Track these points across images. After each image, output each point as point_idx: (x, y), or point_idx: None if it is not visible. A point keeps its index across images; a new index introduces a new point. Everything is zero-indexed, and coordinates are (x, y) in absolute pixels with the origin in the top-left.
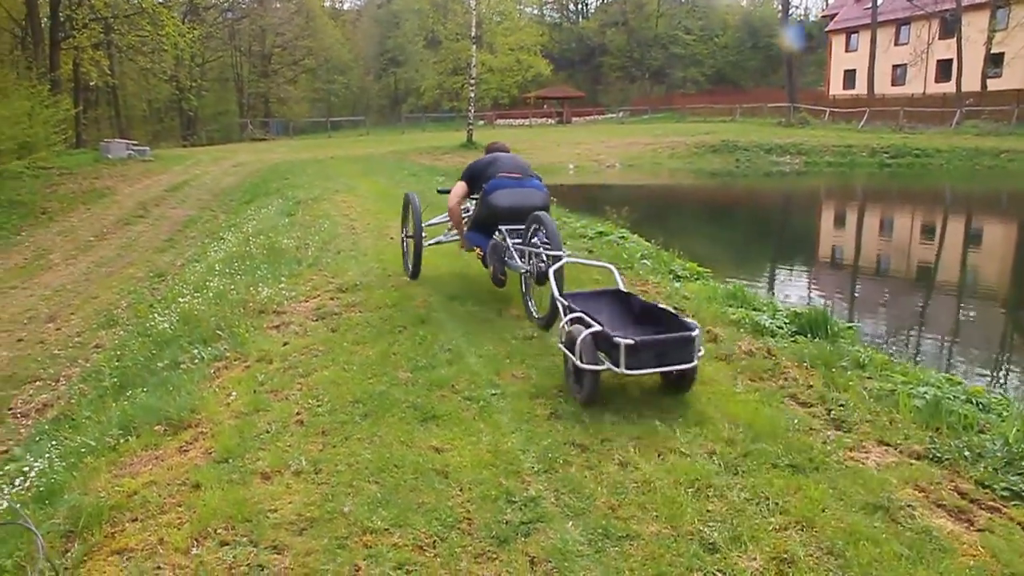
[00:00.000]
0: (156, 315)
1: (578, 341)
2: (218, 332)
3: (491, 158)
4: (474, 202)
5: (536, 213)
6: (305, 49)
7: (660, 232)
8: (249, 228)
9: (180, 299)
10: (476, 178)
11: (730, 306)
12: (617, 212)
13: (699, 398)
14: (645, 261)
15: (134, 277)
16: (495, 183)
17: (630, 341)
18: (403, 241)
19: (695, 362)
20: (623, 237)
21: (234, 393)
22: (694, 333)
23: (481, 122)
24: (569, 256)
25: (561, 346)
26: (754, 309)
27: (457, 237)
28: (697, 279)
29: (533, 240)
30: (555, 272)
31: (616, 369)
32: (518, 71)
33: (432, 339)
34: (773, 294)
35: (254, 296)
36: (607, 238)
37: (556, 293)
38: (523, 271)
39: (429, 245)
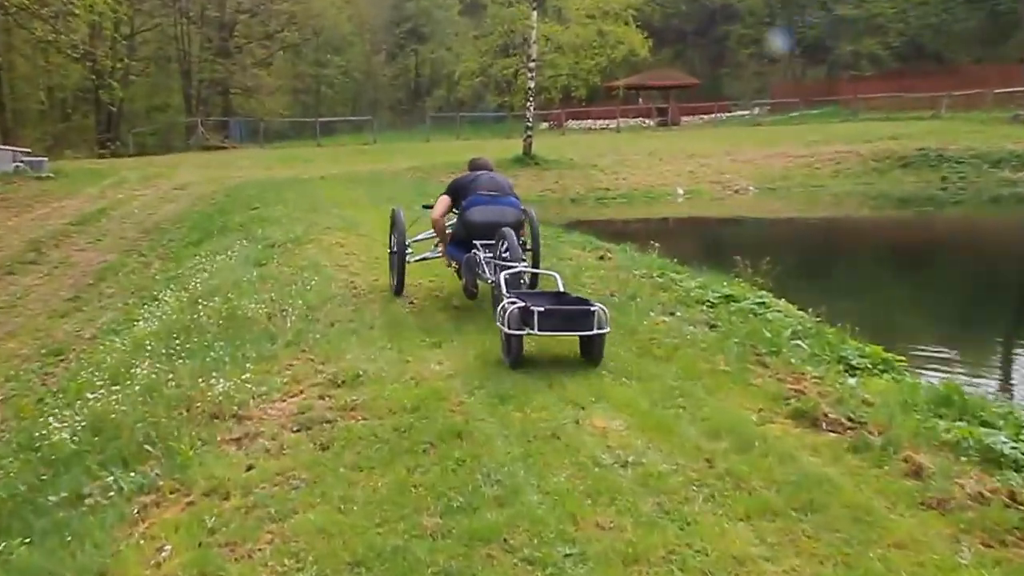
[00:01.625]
0: (50, 418)
1: (507, 313)
2: (147, 448)
3: (474, 175)
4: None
5: (502, 229)
6: (284, 17)
7: (820, 294)
8: (198, 284)
9: (88, 394)
10: (459, 194)
11: (940, 417)
12: (752, 264)
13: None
14: (799, 343)
15: (16, 355)
16: (473, 199)
17: (541, 308)
18: (391, 256)
19: (593, 331)
20: (763, 304)
21: (168, 547)
22: (593, 308)
23: (545, 125)
24: (523, 267)
25: (498, 323)
26: (983, 424)
27: (441, 254)
28: (883, 371)
29: (504, 255)
30: (507, 276)
31: (533, 332)
32: (600, 49)
33: (472, 463)
34: (1012, 398)
35: (204, 392)
36: (737, 305)
37: (504, 289)
38: (490, 281)
39: (416, 261)
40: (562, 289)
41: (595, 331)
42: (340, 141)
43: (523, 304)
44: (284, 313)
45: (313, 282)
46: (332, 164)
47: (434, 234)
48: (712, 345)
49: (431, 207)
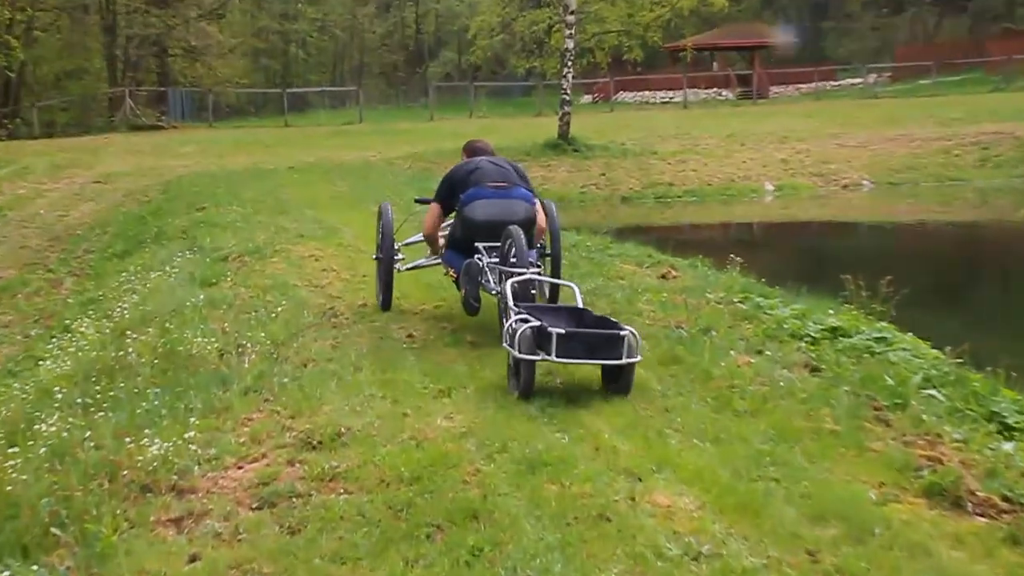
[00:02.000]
0: None
1: (518, 334)
2: (54, 531)
3: (473, 164)
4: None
5: (509, 227)
6: None
7: (962, 328)
8: (125, 310)
9: None
10: (454, 190)
11: None
12: (868, 285)
13: None
14: (933, 393)
15: None
16: (474, 193)
17: (561, 330)
18: (376, 265)
19: (622, 360)
20: (883, 340)
21: None
22: (623, 332)
23: (587, 98)
24: (533, 273)
25: (505, 344)
26: None
27: (438, 260)
28: None
29: (512, 259)
30: (514, 284)
31: (549, 357)
32: None
33: (492, 553)
34: None
35: (133, 456)
36: (848, 342)
37: (510, 301)
38: (494, 292)
39: (407, 270)
40: (580, 304)
41: (625, 360)
42: (315, 119)
43: (538, 323)
44: (241, 349)
45: (280, 308)
46: (305, 150)
47: (434, 257)
48: (814, 395)
49: (427, 202)
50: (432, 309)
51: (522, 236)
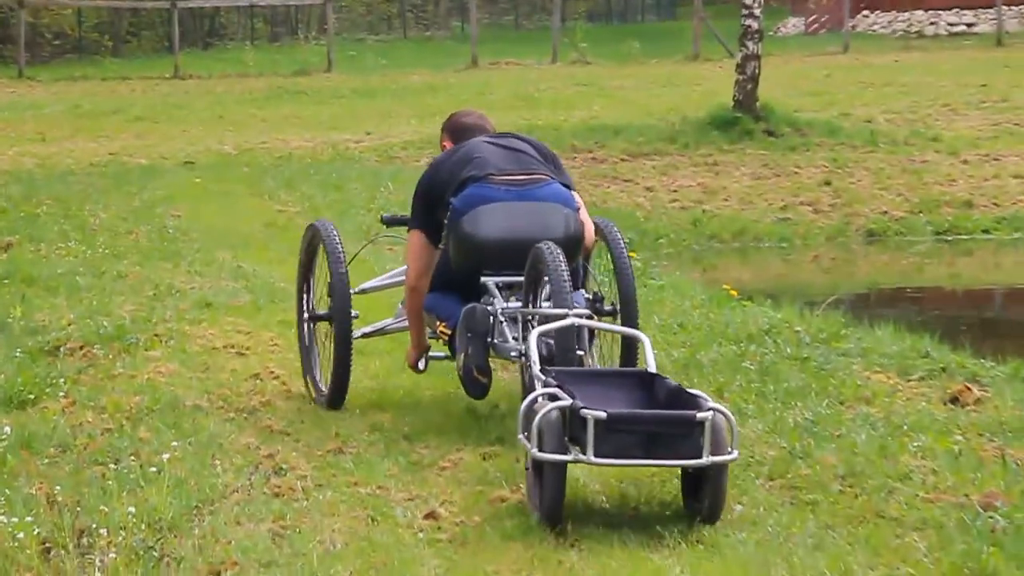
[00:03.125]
0: None
1: (538, 419)
2: None
3: (467, 151)
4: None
5: (536, 247)
6: None
7: None
8: None
9: None
10: (439, 196)
11: None
12: None
13: None
14: None
15: None
16: (474, 195)
17: (601, 414)
18: (303, 327)
19: (705, 459)
20: None
21: None
22: (700, 414)
23: (794, 24)
24: (575, 317)
25: (521, 438)
26: None
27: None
28: None
29: (546, 300)
30: (540, 336)
31: (583, 458)
32: None
33: None
34: None
35: None
36: None
37: (535, 367)
38: (513, 355)
39: (364, 335)
40: (653, 368)
41: (707, 460)
42: (238, 64)
43: (569, 401)
44: (86, 541)
45: (167, 454)
46: (216, 128)
47: (400, 277)
48: None
49: (402, 222)
50: (440, 398)
51: (560, 260)
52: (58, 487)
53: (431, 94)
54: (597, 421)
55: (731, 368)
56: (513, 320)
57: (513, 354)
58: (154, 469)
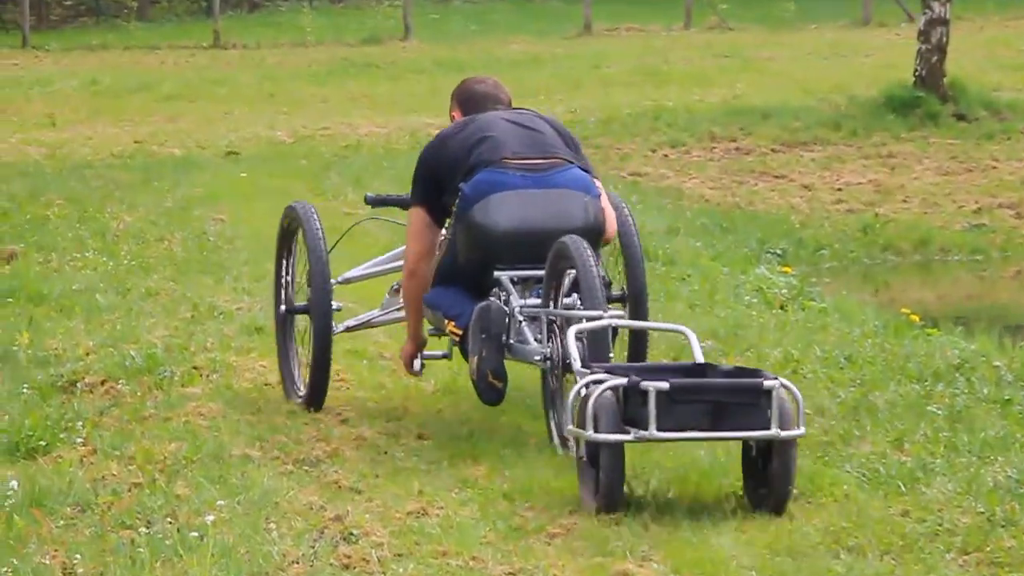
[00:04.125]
0: None
1: (592, 401)
2: None
3: (478, 127)
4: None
5: (560, 242)
6: None
7: None
8: None
9: None
10: (445, 175)
11: None
12: None
13: None
14: None
15: None
16: (487, 180)
17: (663, 384)
18: (281, 321)
19: (773, 431)
20: None
21: None
22: (767, 382)
23: None
24: (612, 317)
25: (571, 428)
26: None
27: (400, 312)
28: None
29: (568, 297)
30: (578, 333)
31: (646, 433)
32: None
33: None
34: None
35: None
36: None
37: (576, 364)
38: (537, 359)
39: (348, 329)
40: (699, 358)
41: (775, 432)
42: (293, 30)
43: (625, 379)
44: None
45: (211, 517)
46: (266, 109)
47: (388, 265)
48: None
49: (396, 202)
50: (548, 448)
51: (590, 255)
52: (77, 556)
53: (533, 68)
54: (659, 393)
55: (913, 413)
56: (532, 319)
57: (537, 357)
58: (195, 534)
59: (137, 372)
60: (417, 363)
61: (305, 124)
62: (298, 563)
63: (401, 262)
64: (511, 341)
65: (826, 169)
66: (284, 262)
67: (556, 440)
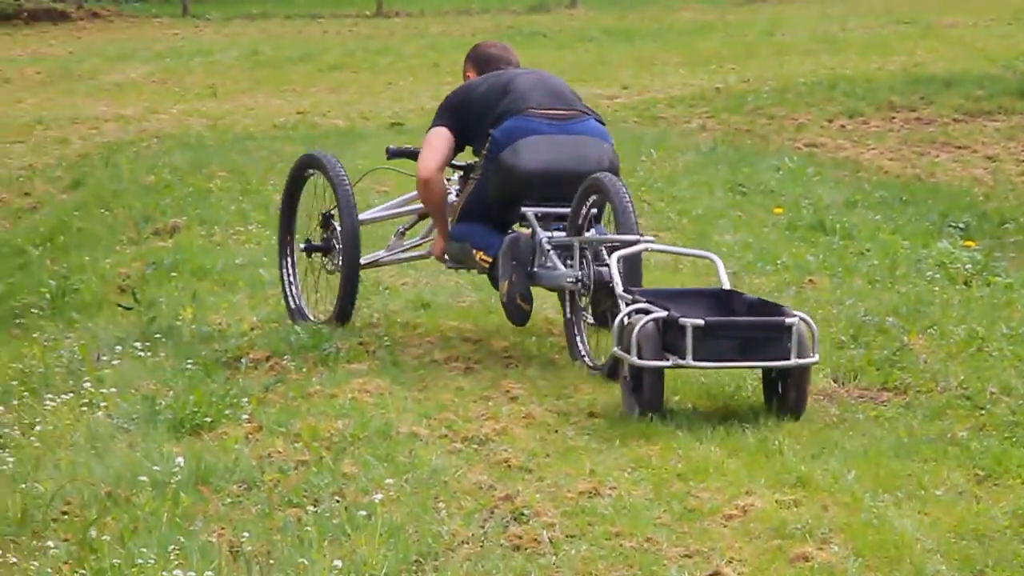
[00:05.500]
0: None
1: (636, 331)
2: None
3: (504, 79)
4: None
5: (594, 177)
6: None
7: None
8: None
9: None
10: (471, 119)
11: None
12: None
13: None
14: None
15: None
16: (515, 126)
17: (699, 321)
18: (285, 257)
19: (792, 361)
20: None
21: None
22: (789, 320)
23: None
24: (649, 242)
25: (616, 349)
26: None
27: (423, 245)
28: None
29: (591, 228)
30: (621, 259)
31: (683, 362)
32: None
33: None
34: None
35: None
36: None
37: (619, 287)
38: (569, 281)
39: (366, 265)
40: (726, 284)
41: (795, 360)
42: None
43: (665, 312)
44: None
45: (379, 496)
46: (429, 79)
47: (413, 207)
48: None
49: (407, 153)
50: (724, 429)
51: (623, 188)
52: (244, 534)
53: (704, 35)
54: (696, 328)
55: None
56: (560, 248)
57: (569, 280)
58: (363, 513)
59: (302, 348)
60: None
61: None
62: (468, 543)
63: (412, 206)
64: (535, 269)
65: (1011, 139)
66: (291, 196)
67: (580, 356)
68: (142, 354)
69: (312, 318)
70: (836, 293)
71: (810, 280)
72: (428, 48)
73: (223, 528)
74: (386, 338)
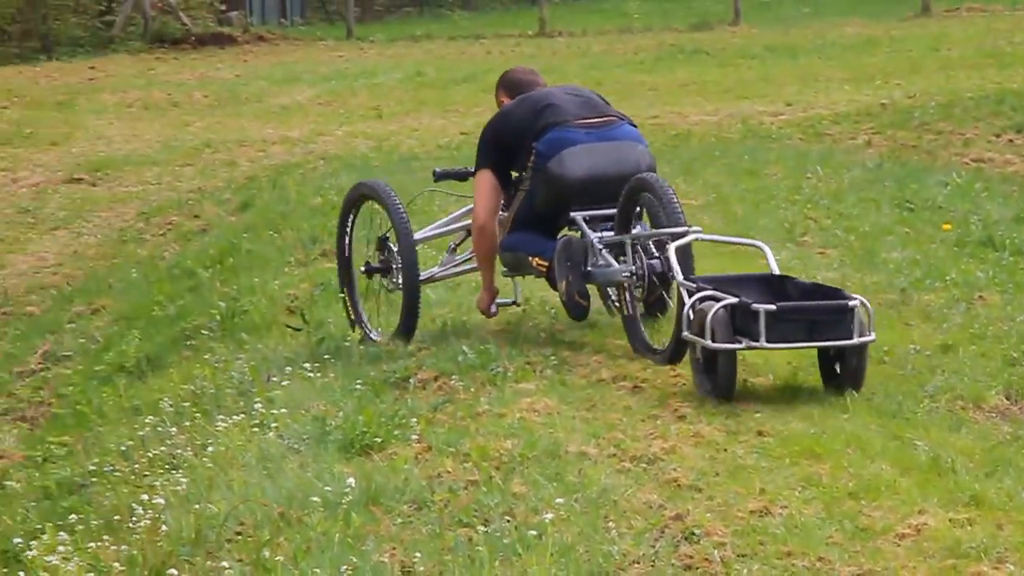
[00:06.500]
0: None
1: (709, 316)
2: None
3: (540, 98)
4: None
5: (639, 178)
6: None
7: None
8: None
9: None
10: (512, 141)
11: None
12: None
13: None
14: None
15: None
16: (557, 139)
17: (771, 307)
18: (347, 280)
19: (854, 339)
20: None
21: None
22: (851, 303)
23: None
24: (697, 231)
25: (687, 334)
26: None
27: (462, 267)
28: None
29: (638, 226)
30: (678, 249)
31: (756, 344)
32: None
33: None
34: None
35: None
36: None
37: (679, 276)
38: (625, 276)
39: (423, 281)
40: (775, 270)
41: (857, 339)
42: (622, 16)
43: (736, 299)
44: None
45: (550, 516)
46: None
47: (463, 224)
48: None
49: (460, 175)
50: (893, 443)
51: (667, 184)
52: (416, 554)
53: (869, 50)
54: (768, 312)
55: None
56: (611, 247)
57: (625, 274)
58: (533, 532)
59: (470, 368)
60: (493, 307)
61: (633, 113)
62: (638, 563)
63: (462, 223)
64: (589, 268)
65: None
66: (345, 220)
67: (641, 346)
68: (311, 375)
69: (376, 338)
70: (1007, 309)
71: (980, 296)
72: (591, 67)
73: (395, 548)
74: (553, 357)
